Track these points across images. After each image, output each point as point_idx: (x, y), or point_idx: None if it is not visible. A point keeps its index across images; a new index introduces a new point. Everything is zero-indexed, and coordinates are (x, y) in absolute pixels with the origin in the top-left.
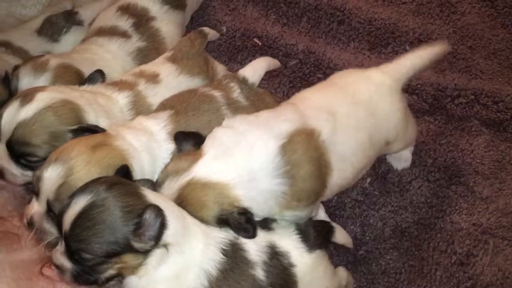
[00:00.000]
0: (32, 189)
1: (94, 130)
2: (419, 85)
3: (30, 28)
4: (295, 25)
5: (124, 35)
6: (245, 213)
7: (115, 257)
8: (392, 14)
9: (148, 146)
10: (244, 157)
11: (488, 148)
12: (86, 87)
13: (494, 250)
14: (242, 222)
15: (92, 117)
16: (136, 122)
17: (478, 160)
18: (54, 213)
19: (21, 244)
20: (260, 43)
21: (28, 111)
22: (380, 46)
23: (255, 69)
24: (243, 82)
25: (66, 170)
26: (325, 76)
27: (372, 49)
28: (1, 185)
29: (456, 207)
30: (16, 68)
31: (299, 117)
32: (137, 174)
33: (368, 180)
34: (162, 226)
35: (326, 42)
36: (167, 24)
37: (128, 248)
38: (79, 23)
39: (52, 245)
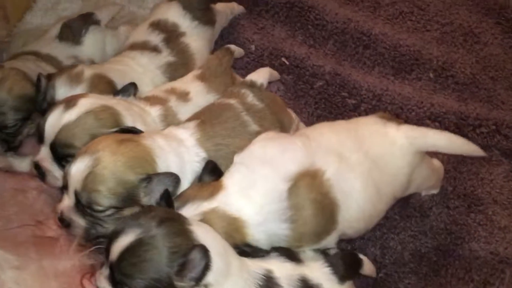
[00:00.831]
0: (62, 185)
1: (133, 132)
2: (442, 113)
3: (51, 36)
4: (322, 47)
5: (154, 49)
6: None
7: None
8: (416, 41)
9: (177, 149)
10: (261, 200)
11: (507, 178)
12: (120, 97)
13: (510, 280)
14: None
15: (130, 122)
16: (167, 130)
17: (497, 190)
18: (82, 205)
19: (61, 248)
20: (287, 63)
21: (71, 115)
22: (404, 71)
23: (259, 74)
24: (252, 85)
25: (93, 161)
26: (350, 97)
27: (396, 75)
28: (41, 188)
29: (475, 235)
30: (49, 76)
31: (306, 157)
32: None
33: None
34: (206, 267)
35: (351, 65)
36: (196, 40)
37: (169, 286)
38: (97, 22)
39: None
